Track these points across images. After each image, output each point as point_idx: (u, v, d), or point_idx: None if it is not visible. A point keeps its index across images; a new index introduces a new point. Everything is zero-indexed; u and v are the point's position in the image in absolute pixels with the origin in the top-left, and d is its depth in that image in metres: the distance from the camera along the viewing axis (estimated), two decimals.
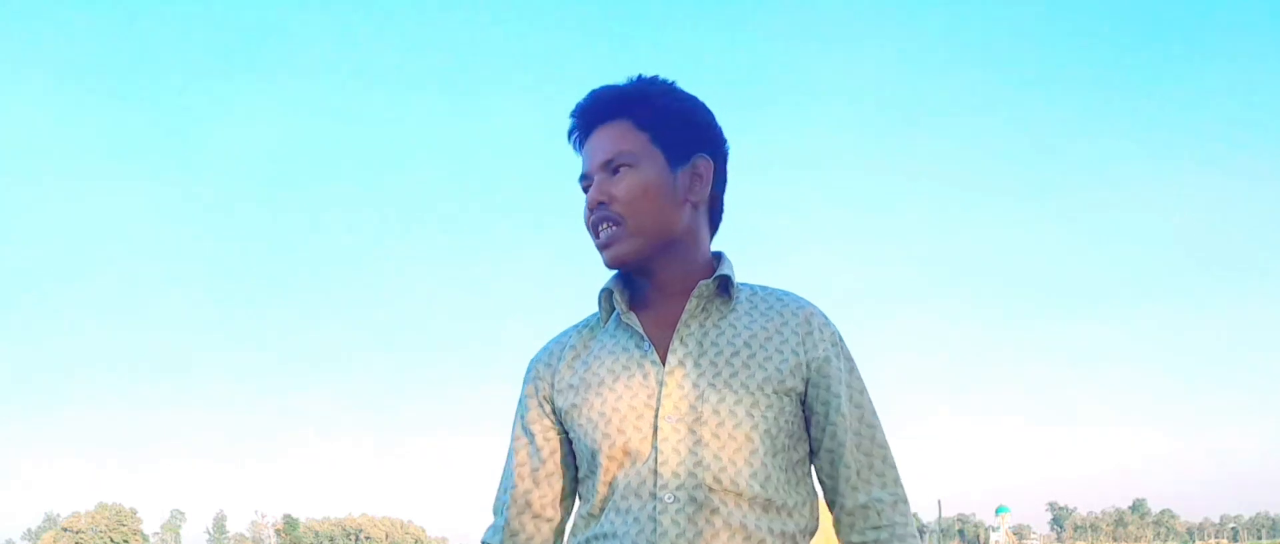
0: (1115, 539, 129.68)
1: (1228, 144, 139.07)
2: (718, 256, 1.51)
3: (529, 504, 1.50)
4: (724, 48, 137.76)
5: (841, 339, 1.49)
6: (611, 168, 1.44)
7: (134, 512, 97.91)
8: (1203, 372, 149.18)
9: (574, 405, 1.44)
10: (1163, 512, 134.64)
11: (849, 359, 1.49)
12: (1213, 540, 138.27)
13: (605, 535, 1.39)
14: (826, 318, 1.49)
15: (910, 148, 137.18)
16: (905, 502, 1.46)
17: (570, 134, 1.52)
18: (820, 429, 1.44)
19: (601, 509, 1.42)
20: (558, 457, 1.50)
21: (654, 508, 1.36)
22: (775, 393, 1.39)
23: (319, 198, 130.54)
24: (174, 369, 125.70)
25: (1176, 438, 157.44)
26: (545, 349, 1.54)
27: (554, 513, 1.51)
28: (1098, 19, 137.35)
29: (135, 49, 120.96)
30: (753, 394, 1.39)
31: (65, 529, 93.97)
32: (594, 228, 1.45)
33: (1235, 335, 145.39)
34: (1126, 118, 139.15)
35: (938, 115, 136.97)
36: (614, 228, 1.43)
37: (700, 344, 1.42)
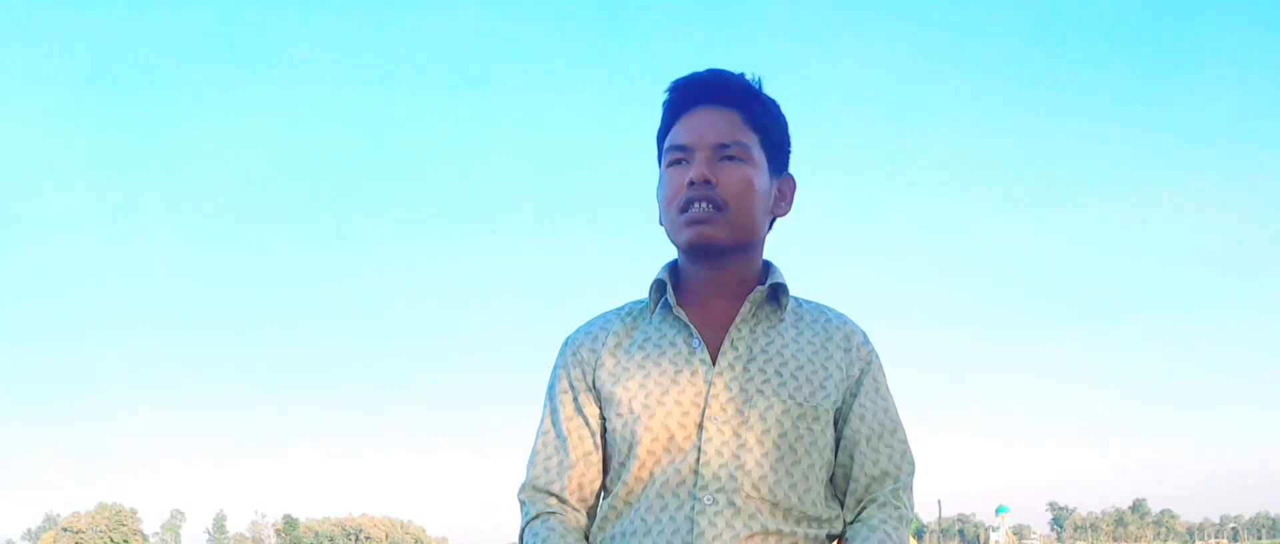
0: (1115, 539, 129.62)
1: (1228, 149, 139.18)
2: (768, 265, 1.52)
3: (580, 486, 1.48)
4: (721, 49, 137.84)
5: (877, 357, 1.54)
6: (724, 153, 1.44)
7: (134, 512, 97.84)
8: (1203, 372, 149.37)
9: (618, 393, 1.44)
10: (1163, 512, 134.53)
11: (881, 371, 1.54)
12: (1213, 540, 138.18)
13: (638, 532, 1.39)
14: (866, 337, 1.54)
15: (913, 152, 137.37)
16: (912, 473, 1.51)
17: (675, 100, 1.49)
18: (844, 418, 1.48)
19: (628, 501, 1.42)
20: (601, 441, 1.49)
21: (692, 508, 1.37)
22: (818, 407, 1.43)
23: (318, 198, 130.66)
24: (174, 369, 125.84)
25: (1176, 438, 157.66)
26: (586, 330, 1.53)
27: (593, 499, 1.50)
28: (1095, 21, 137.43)
29: (135, 51, 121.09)
30: (800, 406, 1.42)
31: (65, 529, 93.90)
32: (689, 203, 1.43)
33: (1235, 336, 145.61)
34: (1127, 123, 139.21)
35: (940, 120, 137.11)
36: (715, 210, 1.42)
37: (750, 349, 1.44)
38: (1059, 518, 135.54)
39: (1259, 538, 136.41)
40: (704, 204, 1.42)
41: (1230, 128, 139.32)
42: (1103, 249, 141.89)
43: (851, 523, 1.46)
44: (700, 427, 1.39)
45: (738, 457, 1.38)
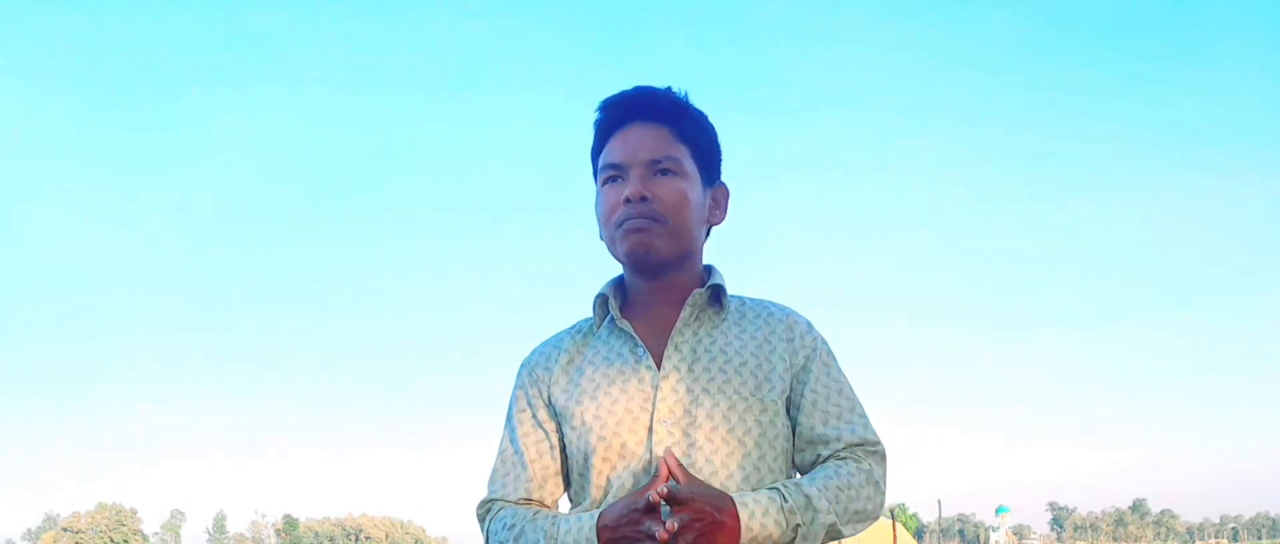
0: (1115, 539, 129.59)
1: (1230, 148, 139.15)
2: (708, 269, 1.58)
3: (541, 500, 1.54)
4: (719, 50, 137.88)
5: (824, 342, 1.57)
6: (659, 168, 1.49)
7: (134, 512, 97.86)
8: (1203, 372, 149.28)
9: (571, 407, 1.50)
10: (1163, 512, 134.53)
11: (830, 355, 1.57)
12: (1213, 540, 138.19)
13: None
14: (810, 324, 1.58)
15: (914, 151, 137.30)
16: (874, 448, 1.52)
17: (606, 119, 1.54)
18: (795, 405, 1.51)
19: (590, 511, 1.45)
20: (561, 456, 1.55)
21: None
22: (766, 399, 1.47)
23: (318, 198, 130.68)
24: (174, 369, 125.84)
25: (1176, 438, 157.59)
26: (539, 352, 1.60)
27: (555, 508, 1.56)
28: (1095, 18, 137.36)
29: (136, 50, 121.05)
30: (745, 401, 1.46)
31: (65, 529, 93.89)
32: (627, 218, 1.49)
33: (1235, 336, 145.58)
34: (1129, 121, 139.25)
35: (941, 119, 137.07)
36: (655, 224, 1.48)
37: (694, 351, 1.49)
38: (1059, 518, 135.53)
39: (1259, 538, 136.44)
40: (644, 218, 1.48)
41: (1232, 127, 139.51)
42: (1103, 249, 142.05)
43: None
44: (650, 431, 1.44)
45: (688, 455, 1.42)
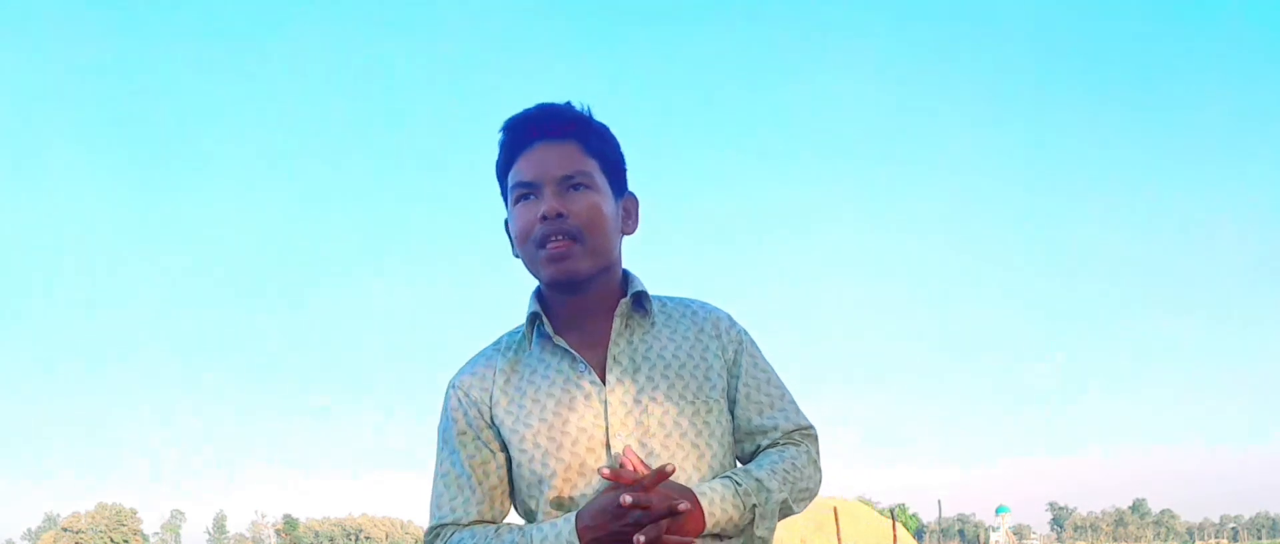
0: (1115, 539, 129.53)
1: (1230, 150, 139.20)
2: (626, 275, 1.59)
3: (493, 519, 1.54)
4: (716, 53, 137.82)
5: (747, 334, 1.62)
6: (570, 184, 1.50)
7: (134, 512, 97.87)
8: (1203, 372, 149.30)
9: (521, 429, 1.50)
10: (1163, 512, 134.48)
11: (754, 346, 1.62)
12: (1213, 540, 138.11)
13: None
14: (732, 318, 1.62)
15: (916, 149, 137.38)
16: (808, 431, 1.60)
17: (513, 139, 1.55)
18: (731, 399, 1.57)
19: None
20: (506, 476, 1.55)
21: None
22: (710, 399, 1.52)
23: (318, 198, 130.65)
24: (174, 369, 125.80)
25: (1177, 438, 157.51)
26: (469, 372, 1.58)
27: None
28: (1097, 33, 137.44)
29: (138, 52, 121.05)
30: (691, 403, 1.50)
31: (65, 529, 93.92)
32: (545, 238, 1.49)
33: (1235, 336, 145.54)
34: (1129, 128, 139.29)
35: (947, 116, 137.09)
36: (572, 243, 1.49)
37: (633, 361, 1.51)
38: (1059, 518, 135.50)
39: (1259, 538, 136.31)
40: (560, 237, 1.48)
41: (1232, 129, 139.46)
42: (1103, 249, 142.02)
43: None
44: (607, 446, 1.46)
45: (648, 465, 1.44)
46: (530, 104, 1.57)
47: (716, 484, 1.44)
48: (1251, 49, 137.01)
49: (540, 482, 1.49)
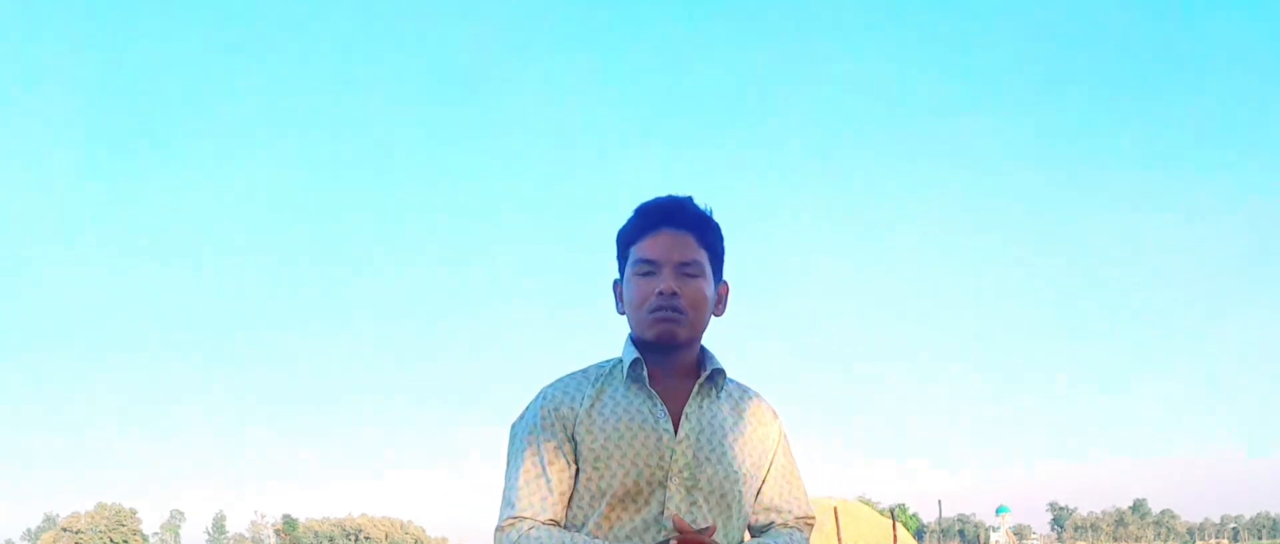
0: (1115, 539, 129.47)
1: (1229, 151, 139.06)
2: (704, 351, 1.93)
3: (560, 520, 1.83)
4: (713, 58, 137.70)
5: (784, 427, 2.00)
6: (686, 270, 1.85)
7: (134, 512, 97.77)
8: (1203, 372, 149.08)
9: (598, 449, 1.81)
10: (1163, 512, 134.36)
11: (787, 439, 2.00)
12: (1213, 540, 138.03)
13: None
14: (776, 413, 1.98)
15: (917, 155, 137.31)
16: (811, 523, 1.97)
17: (641, 223, 1.89)
18: (761, 478, 1.93)
19: (596, 538, 1.80)
20: (573, 486, 1.84)
21: None
22: (750, 474, 1.88)
23: (317, 197, 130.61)
24: (174, 369, 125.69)
25: (1177, 438, 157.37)
26: (562, 389, 1.89)
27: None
28: (1096, 33, 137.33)
29: (138, 54, 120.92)
30: (737, 471, 1.85)
31: (65, 529, 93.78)
32: (657, 308, 1.83)
33: (1235, 336, 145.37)
34: (1126, 129, 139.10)
35: (953, 115, 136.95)
36: (678, 315, 1.83)
37: (699, 423, 1.84)
38: (1059, 518, 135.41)
39: (1259, 538, 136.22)
40: (670, 310, 1.83)
41: (1232, 132, 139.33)
42: (1103, 249, 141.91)
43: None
44: (662, 485, 1.79)
45: (691, 513, 1.79)
46: (661, 192, 1.95)
47: None
48: (1251, 48, 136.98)
49: (601, 496, 1.80)
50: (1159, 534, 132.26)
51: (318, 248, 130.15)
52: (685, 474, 1.80)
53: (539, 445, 1.83)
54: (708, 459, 1.82)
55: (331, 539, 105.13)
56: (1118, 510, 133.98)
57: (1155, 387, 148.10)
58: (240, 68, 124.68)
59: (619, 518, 1.79)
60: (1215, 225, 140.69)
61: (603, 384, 1.87)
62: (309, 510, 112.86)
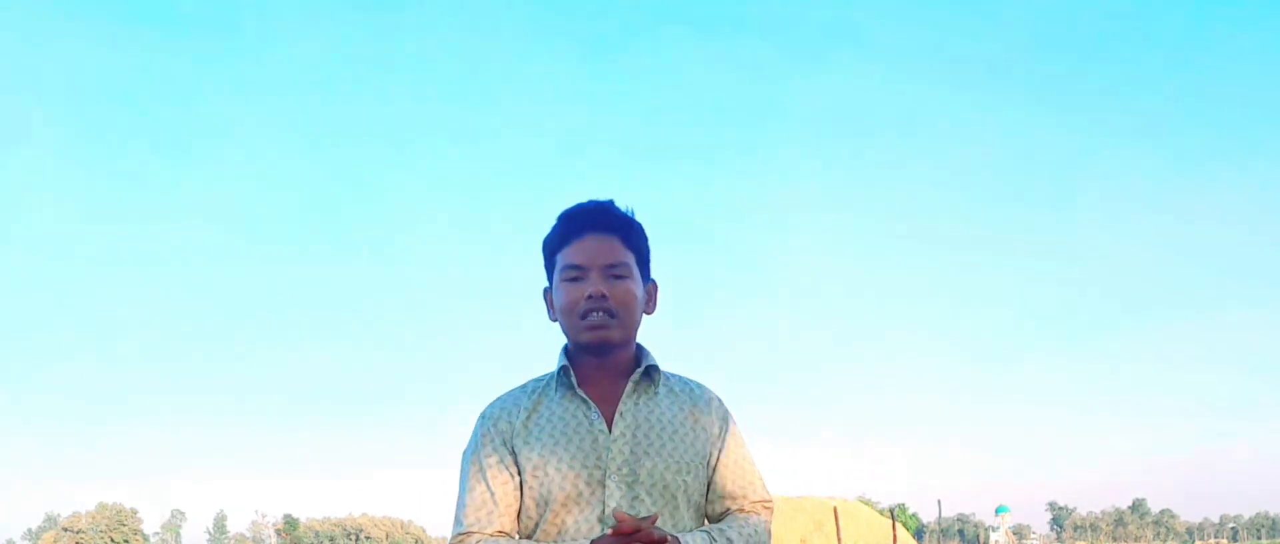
0: (1115, 539, 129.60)
1: (1229, 150, 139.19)
2: (640, 349, 1.97)
3: (511, 534, 1.88)
4: (710, 63, 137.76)
5: (731, 414, 2.02)
6: (614, 272, 1.89)
7: (134, 512, 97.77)
8: (1203, 371, 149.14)
9: (534, 458, 1.86)
10: (1163, 512, 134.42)
11: (736, 425, 2.02)
12: (1213, 540, 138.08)
13: None
14: (721, 401, 2.02)
15: (912, 156, 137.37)
16: (769, 505, 1.99)
17: (566, 229, 1.93)
18: (712, 466, 1.95)
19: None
20: (520, 498, 1.88)
21: None
22: (693, 463, 1.90)
23: (318, 198, 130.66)
24: (175, 369, 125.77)
25: (1176, 438, 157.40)
26: (500, 406, 1.94)
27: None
28: (1096, 27, 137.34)
29: (138, 55, 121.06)
30: (678, 462, 1.88)
31: (65, 529, 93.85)
32: (587, 312, 1.87)
33: (1235, 336, 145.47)
34: (1124, 125, 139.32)
35: (939, 124, 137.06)
36: (609, 318, 1.87)
37: (635, 419, 1.88)
38: (1059, 518, 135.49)
39: (1259, 538, 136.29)
40: (601, 313, 1.87)
41: (1231, 130, 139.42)
42: (1102, 249, 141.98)
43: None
44: (602, 484, 1.83)
45: (633, 507, 1.83)
46: (584, 198, 1.97)
47: (697, 534, 1.84)
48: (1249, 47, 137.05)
49: (545, 503, 1.84)
50: (1158, 534, 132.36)
51: (318, 248, 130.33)
52: (624, 471, 1.83)
53: (482, 463, 1.89)
54: (646, 453, 1.85)
55: (332, 539, 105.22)
56: (1117, 510, 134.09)
57: (1155, 386, 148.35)
58: (239, 68, 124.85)
59: (564, 521, 1.83)
60: (1216, 225, 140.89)
61: (540, 395, 1.92)
62: (310, 510, 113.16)
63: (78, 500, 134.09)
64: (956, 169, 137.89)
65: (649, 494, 1.84)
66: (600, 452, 1.85)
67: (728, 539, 1.86)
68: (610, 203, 1.95)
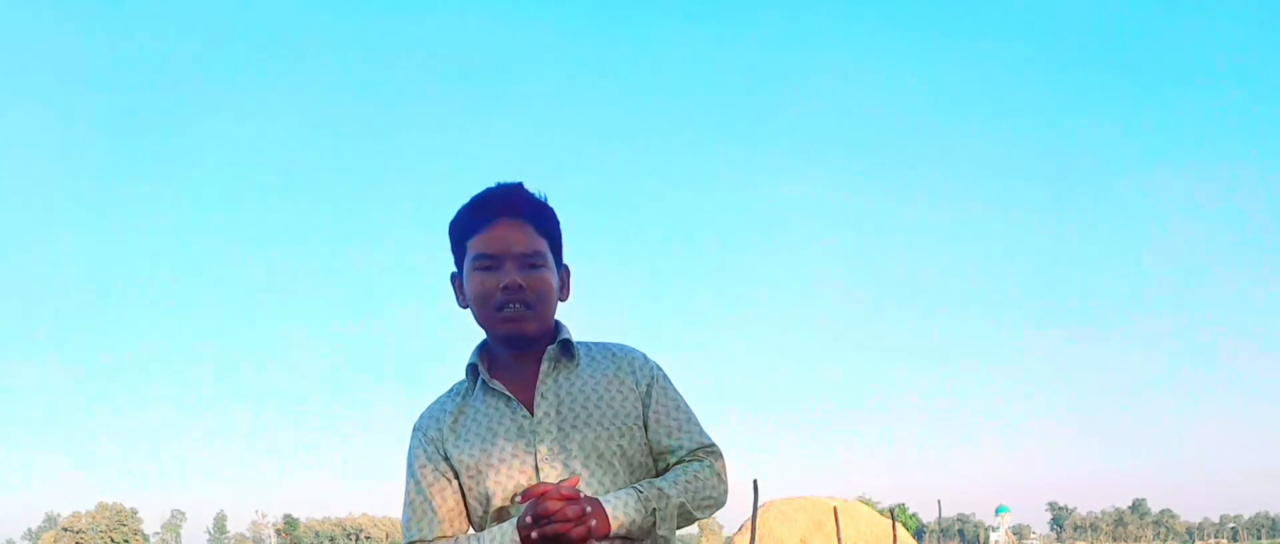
0: (1115, 539, 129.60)
1: (1229, 150, 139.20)
2: (557, 326, 1.90)
3: (454, 537, 1.84)
4: (711, 56, 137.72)
5: (659, 368, 1.94)
6: (529, 262, 1.82)
7: (134, 512, 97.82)
8: (1203, 371, 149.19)
9: (466, 459, 1.82)
10: (1163, 512, 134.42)
11: (665, 378, 1.93)
12: (1213, 540, 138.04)
13: None
14: (645, 356, 1.95)
15: (909, 154, 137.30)
16: (712, 449, 1.90)
17: (475, 215, 1.85)
18: (648, 429, 1.87)
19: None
20: (462, 499, 1.86)
21: None
22: (625, 425, 1.83)
23: (318, 197, 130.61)
24: (175, 369, 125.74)
25: (1176, 438, 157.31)
26: (428, 416, 1.91)
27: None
28: (1093, 22, 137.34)
29: (137, 50, 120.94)
30: (608, 429, 1.81)
31: (65, 529, 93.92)
32: (503, 303, 1.81)
33: (1235, 335, 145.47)
34: (1128, 120, 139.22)
35: (937, 117, 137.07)
36: (526, 309, 1.82)
37: (557, 396, 1.83)
38: (1059, 518, 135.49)
39: (1259, 538, 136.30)
40: (516, 305, 1.81)
41: (1231, 128, 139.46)
42: (1102, 248, 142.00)
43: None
44: (536, 469, 1.78)
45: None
46: (492, 181, 1.89)
47: (621, 493, 1.75)
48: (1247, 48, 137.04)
49: (486, 500, 1.81)
50: (1158, 534, 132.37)
51: (319, 247, 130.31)
52: (554, 448, 1.79)
53: (417, 474, 1.87)
54: (574, 426, 1.80)
55: (332, 539, 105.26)
56: (1117, 510, 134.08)
57: (1155, 386, 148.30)
58: (240, 68, 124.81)
59: (508, 510, 1.80)
60: (1216, 225, 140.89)
61: (464, 398, 1.88)
62: (310, 510, 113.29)
63: (78, 500, 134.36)
64: (956, 168, 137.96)
65: (585, 466, 1.79)
66: (527, 437, 1.80)
67: (658, 489, 1.78)
68: (520, 186, 1.87)
